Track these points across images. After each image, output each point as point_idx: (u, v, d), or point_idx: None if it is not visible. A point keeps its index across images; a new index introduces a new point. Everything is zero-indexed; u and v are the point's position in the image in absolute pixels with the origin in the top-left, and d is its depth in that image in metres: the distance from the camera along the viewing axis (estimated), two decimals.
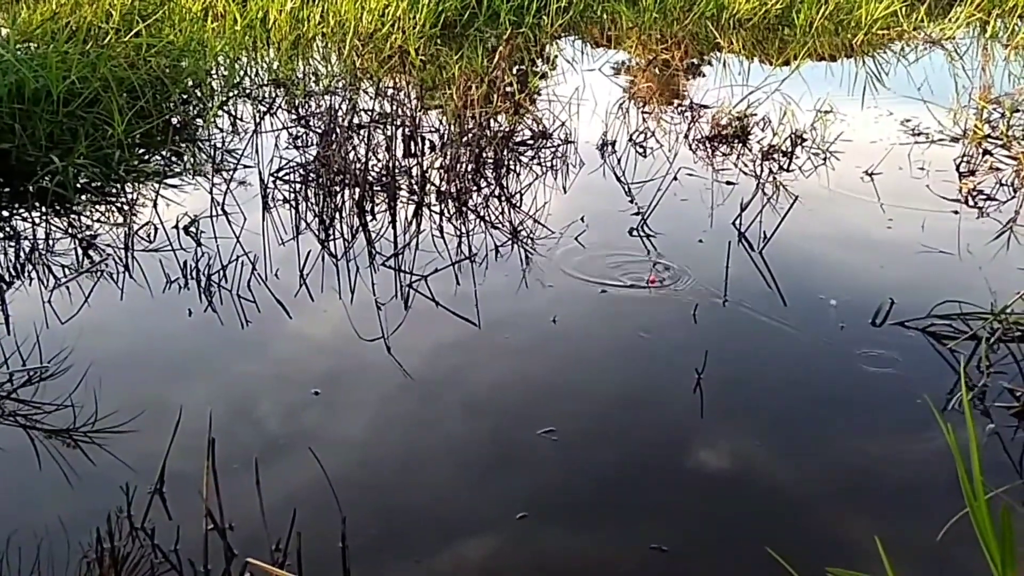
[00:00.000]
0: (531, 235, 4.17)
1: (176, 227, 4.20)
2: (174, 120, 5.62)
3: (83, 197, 4.58)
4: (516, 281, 3.72)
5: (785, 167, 5.12)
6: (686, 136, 5.68)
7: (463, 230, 4.27)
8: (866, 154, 5.20)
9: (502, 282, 3.71)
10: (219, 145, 5.40)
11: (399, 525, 2.35)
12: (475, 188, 4.79)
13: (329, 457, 2.50)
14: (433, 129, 5.50)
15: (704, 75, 7.53)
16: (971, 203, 4.55)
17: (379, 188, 4.67)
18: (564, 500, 2.44)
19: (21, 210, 4.43)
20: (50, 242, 4.10)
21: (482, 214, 4.49)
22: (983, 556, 1.54)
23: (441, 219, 4.41)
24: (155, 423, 2.67)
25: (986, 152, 5.23)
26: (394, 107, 5.67)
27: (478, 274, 3.78)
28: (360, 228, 4.32)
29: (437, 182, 4.74)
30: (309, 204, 4.52)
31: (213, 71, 6.57)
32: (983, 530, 1.52)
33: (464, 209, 4.53)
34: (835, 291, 3.59)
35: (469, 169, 4.87)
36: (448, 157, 4.83)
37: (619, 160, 5.28)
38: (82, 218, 4.38)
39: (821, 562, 1.79)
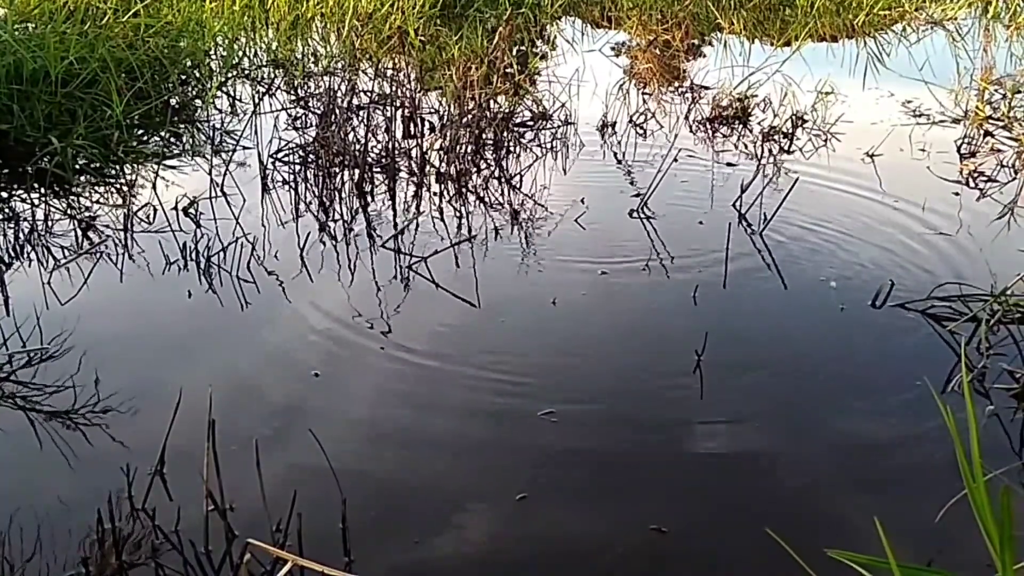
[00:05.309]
0: (531, 217, 4.16)
1: (175, 208, 4.19)
2: (173, 101, 5.60)
3: (82, 178, 4.57)
4: (516, 262, 3.71)
5: (786, 148, 5.11)
6: (686, 118, 5.66)
7: (463, 211, 4.27)
8: (867, 135, 5.18)
9: (502, 263, 3.71)
10: (218, 126, 5.38)
11: (399, 506, 2.35)
12: (475, 169, 4.78)
13: (329, 439, 2.50)
14: (433, 110, 5.49)
15: (705, 56, 7.50)
16: (972, 185, 4.54)
17: (379, 169, 4.66)
18: (564, 481, 2.45)
19: (20, 191, 4.42)
20: (49, 223, 4.09)
21: (482, 195, 4.48)
22: (982, 537, 1.54)
23: (441, 200, 4.41)
24: (155, 404, 2.67)
25: (987, 133, 5.21)
26: (393, 88, 5.65)
27: (478, 255, 3.78)
28: (360, 210, 4.31)
29: (437, 163, 4.73)
30: (308, 185, 4.51)
31: (211, 52, 6.54)
32: (982, 511, 1.52)
33: (464, 190, 4.52)
34: (835, 273, 3.59)
35: (469, 150, 4.86)
36: (448, 138, 4.81)
37: (619, 142, 5.27)
38: (81, 199, 4.37)
39: (820, 543, 1.79)
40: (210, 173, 4.52)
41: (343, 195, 4.44)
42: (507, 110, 5.43)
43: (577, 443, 2.59)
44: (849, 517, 2.29)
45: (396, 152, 4.74)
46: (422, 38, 7.49)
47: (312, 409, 2.76)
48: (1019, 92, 5.62)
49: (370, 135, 4.82)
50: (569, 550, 2.21)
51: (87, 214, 4.18)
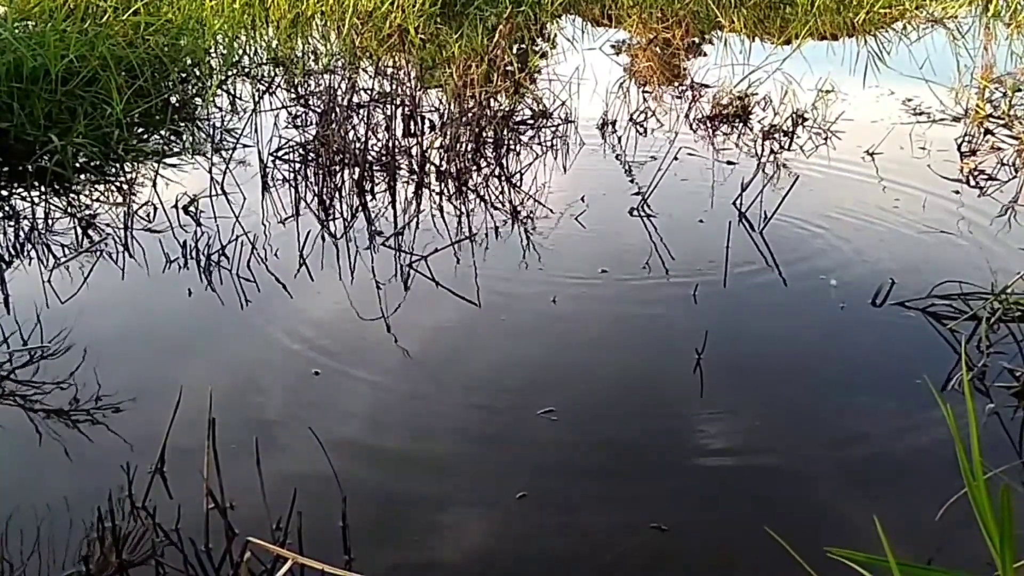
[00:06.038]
0: (531, 215, 4.16)
1: (175, 207, 4.19)
2: (173, 99, 5.60)
3: (82, 176, 4.57)
4: (516, 260, 3.71)
5: (786, 147, 5.11)
6: (687, 116, 5.66)
7: (463, 210, 4.27)
8: (867, 134, 5.19)
9: (502, 262, 3.70)
10: (218, 124, 5.38)
11: (399, 505, 2.35)
12: (475, 168, 4.77)
13: (329, 437, 2.51)
14: (433, 108, 5.48)
15: (705, 54, 7.50)
16: (972, 183, 4.54)
17: (379, 168, 4.66)
18: (564, 480, 2.45)
19: (20, 190, 4.42)
20: (49, 222, 4.09)
21: (482, 194, 4.48)
22: (982, 536, 1.54)
23: (441, 199, 4.40)
24: (155, 403, 2.67)
25: (988, 132, 5.21)
26: (394, 86, 5.65)
27: (478, 254, 3.77)
28: (360, 208, 4.31)
29: (437, 162, 4.73)
30: (308, 184, 4.51)
31: (212, 50, 6.54)
32: (982, 510, 1.52)
33: (464, 189, 4.52)
34: (835, 271, 3.59)
35: (469, 149, 4.85)
36: (448, 137, 4.81)
37: (619, 140, 5.27)
38: (81, 198, 4.37)
39: (820, 542, 1.79)
40: (210, 171, 4.52)
41: (343, 193, 4.44)
42: (507, 108, 5.43)
43: (577, 442, 2.59)
44: (849, 516, 2.29)
45: (396, 150, 4.74)
46: (422, 36, 7.49)
47: (312, 407, 2.76)
48: (1019, 90, 5.62)
49: (370, 133, 4.82)
50: (569, 549, 2.21)
51: (87, 212, 4.18)
